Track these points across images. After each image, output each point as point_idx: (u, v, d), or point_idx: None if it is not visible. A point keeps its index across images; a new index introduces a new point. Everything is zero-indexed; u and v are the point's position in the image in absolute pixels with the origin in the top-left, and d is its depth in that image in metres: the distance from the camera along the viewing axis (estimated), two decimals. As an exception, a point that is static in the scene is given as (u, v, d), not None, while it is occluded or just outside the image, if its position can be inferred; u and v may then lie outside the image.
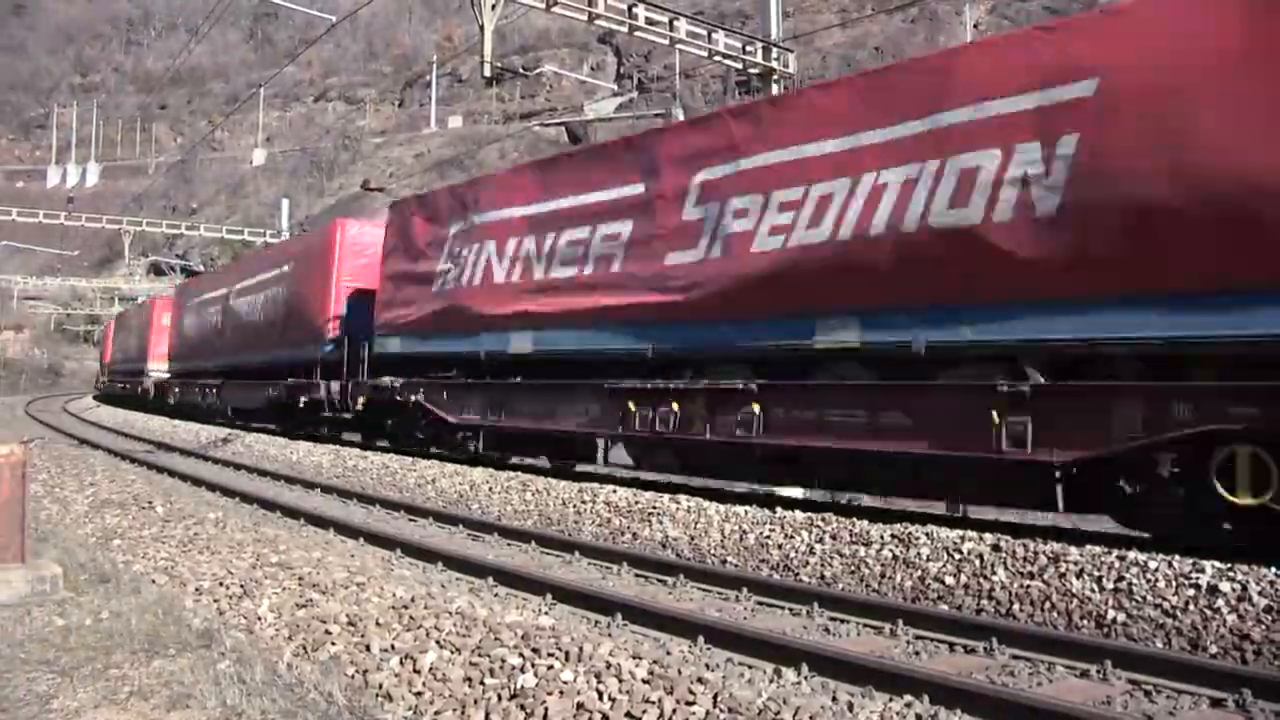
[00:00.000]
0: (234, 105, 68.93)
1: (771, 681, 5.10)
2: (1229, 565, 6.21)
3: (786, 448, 9.58)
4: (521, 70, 42.02)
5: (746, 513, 9.07)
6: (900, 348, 8.52)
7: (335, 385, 17.70)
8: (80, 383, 63.24)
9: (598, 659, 4.57)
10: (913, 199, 8.37)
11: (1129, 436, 7.07)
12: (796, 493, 11.44)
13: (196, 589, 6.32)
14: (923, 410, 8.34)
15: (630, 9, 14.52)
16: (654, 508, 9.73)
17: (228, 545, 7.77)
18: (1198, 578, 6.12)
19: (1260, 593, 5.82)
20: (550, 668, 4.46)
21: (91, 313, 72.19)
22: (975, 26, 47.04)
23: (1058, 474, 7.58)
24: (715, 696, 4.09)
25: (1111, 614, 6.11)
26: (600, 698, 4.15)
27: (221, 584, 6.40)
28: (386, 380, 15.68)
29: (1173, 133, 6.89)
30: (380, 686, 4.46)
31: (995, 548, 7.15)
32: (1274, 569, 6.05)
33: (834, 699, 4.68)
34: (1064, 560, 6.72)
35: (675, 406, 10.52)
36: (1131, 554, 6.62)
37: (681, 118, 18.97)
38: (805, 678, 5.12)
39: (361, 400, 16.48)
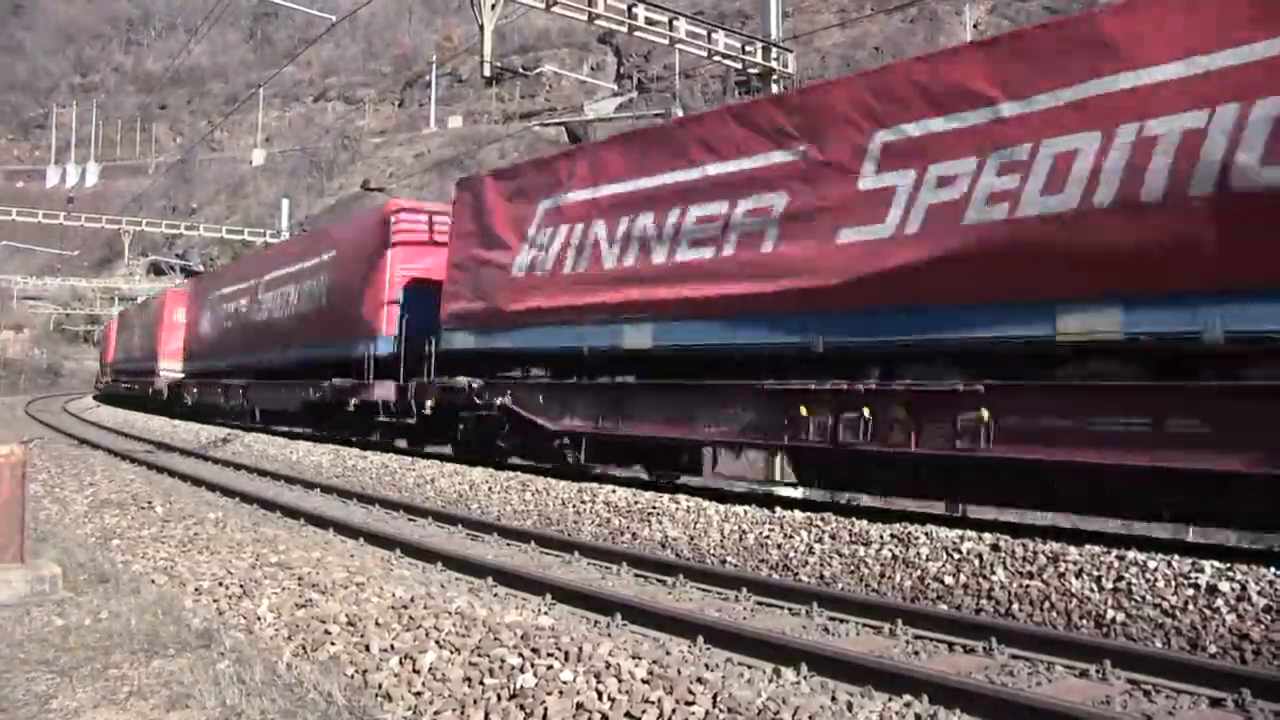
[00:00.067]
0: (234, 105, 68.93)
1: (771, 681, 5.11)
2: (1228, 565, 6.23)
3: (1026, 462, 7.87)
4: (521, 70, 41.98)
5: (746, 512, 9.07)
6: (1186, 339, 6.94)
7: (393, 386, 15.72)
8: (80, 383, 63.23)
9: (597, 659, 4.58)
10: (1203, 150, 6.72)
11: None
12: (795, 492, 11.46)
13: (196, 589, 6.32)
14: (1234, 417, 6.70)
15: (630, 9, 14.53)
16: (653, 508, 9.74)
17: (227, 545, 7.78)
18: (1197, 577, 6.13)
19: (1259, 592, 5.83)
20: (550, 668, 4.47)
21: (91, 313, 72.21)
22: (975, 26, 47.08)
23: None
24: (715, 696, 4.09)
25: (1111, 614, 6.12)
26: (600, 698, 4.16)
27: (221, 584, 6.40)
28: (462, 380, 13.68)
29: None
30: (380, 686, 4.46)
31: (994, 547, 7.16)
32: (1274, 569, 6.06)
33: (833, 699, 4.69)
34: (1063, 560, 6.73)
35: (866, 412, 8.73)
36: (1131, 554, 6.63)
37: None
38: (804, 677, 5.13)
39: (430, 403, 14.54)
